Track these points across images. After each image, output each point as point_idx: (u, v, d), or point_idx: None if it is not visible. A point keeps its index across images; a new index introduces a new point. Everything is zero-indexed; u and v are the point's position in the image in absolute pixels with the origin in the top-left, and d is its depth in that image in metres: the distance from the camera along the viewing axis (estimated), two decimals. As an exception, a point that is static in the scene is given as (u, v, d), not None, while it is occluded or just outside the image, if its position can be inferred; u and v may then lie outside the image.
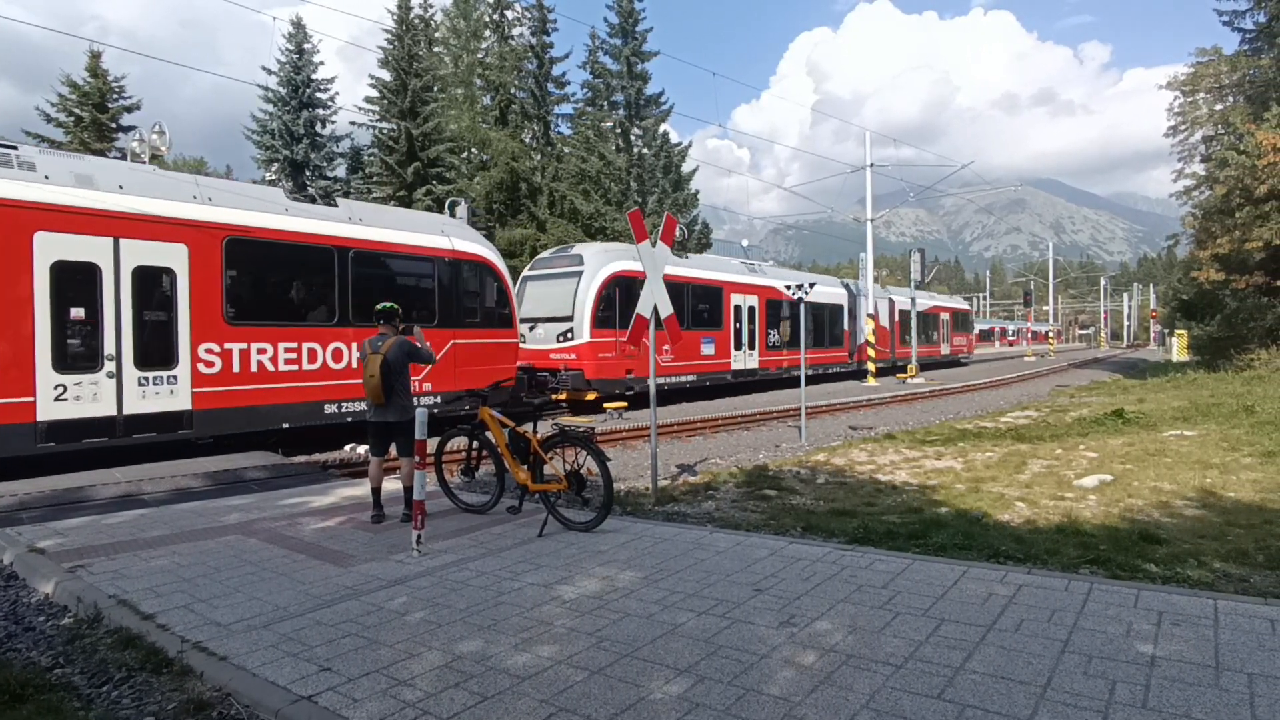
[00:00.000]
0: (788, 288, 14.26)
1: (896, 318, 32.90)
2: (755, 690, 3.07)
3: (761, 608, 4.07)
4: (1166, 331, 58.89)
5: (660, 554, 5.21)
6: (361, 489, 7.53)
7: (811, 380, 23.10)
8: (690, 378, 19.40)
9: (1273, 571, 4.83)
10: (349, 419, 11.62)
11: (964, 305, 45.49)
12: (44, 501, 7.58)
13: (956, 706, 2.90)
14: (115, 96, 24.89)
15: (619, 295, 17.56)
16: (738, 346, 21.47)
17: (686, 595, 4.31)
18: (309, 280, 11.52)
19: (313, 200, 12.04)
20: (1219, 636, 3.52)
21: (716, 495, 7.80)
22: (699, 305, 20.31)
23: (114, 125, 24.67)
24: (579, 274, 17.43)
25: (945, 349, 39.48)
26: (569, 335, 17.05)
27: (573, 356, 16.89)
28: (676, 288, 17.29)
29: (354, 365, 11.44)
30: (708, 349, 20.36)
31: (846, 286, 29.33)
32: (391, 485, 6.97)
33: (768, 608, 4.07)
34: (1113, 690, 3.00)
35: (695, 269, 20.44)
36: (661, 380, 17.10)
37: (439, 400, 12.69)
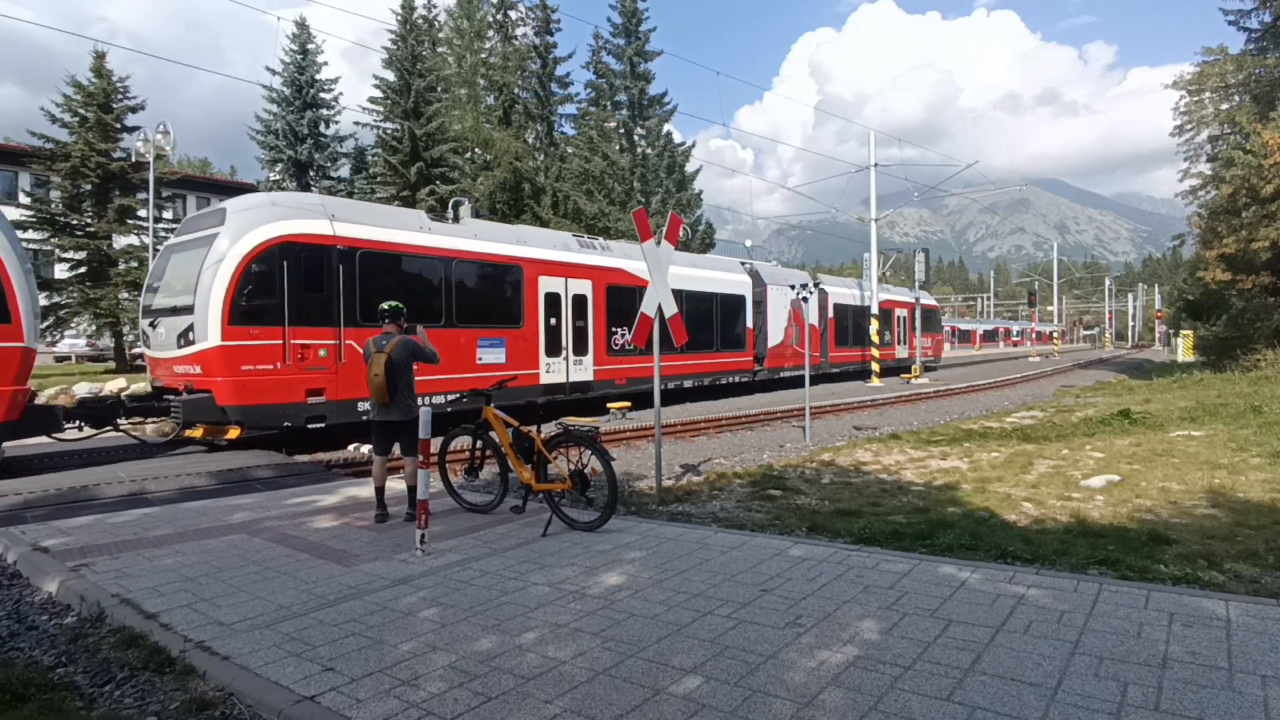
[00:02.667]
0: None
1: (831, 314, 27.12)
2: (762, 691, 3.04)
3: (768, 608, 4.04)
4: (1172, 332, 58.75)
5: (665, 554, 5.18)
6: (366, 488, 7.52)
7: (696, 394, 20.61)
8: (450, 395, 13.01)
9: (1284, 572, 4.78)
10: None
11: (929, 300, 37.39)
12: (50, 501, 7.59)
13: (966, 709, 2.86)
14: (120, 97, 24.90)
15: (286, 273, 11.28)
16: (553, 351, 15.67)
17: (692, 595, 4.28)
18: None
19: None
20: (1231, 638, 3.48)
21: (721, 495, 7.76)
22: (477, 292, 14.51)
23: (119, 126, 24.68)
24: (212, 239, 11.22)
25: (903, 351, 33.37)
26: (190, 337, 10.96)
27: (196, 369, 10.88)
28: (426, 266, 13.43)
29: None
30: (489, 354, 14.31)
31: (753, 273, 23.44)
32: (396, 485, 6.96)
33: (774, 608, 4.03)
34: (1124, 693, 2.96)
35: (468, 239, 14.24)
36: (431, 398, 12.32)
37: None
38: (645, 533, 5.82)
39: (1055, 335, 62.05)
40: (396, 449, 6.50)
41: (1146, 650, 3.36)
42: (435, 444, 6.74)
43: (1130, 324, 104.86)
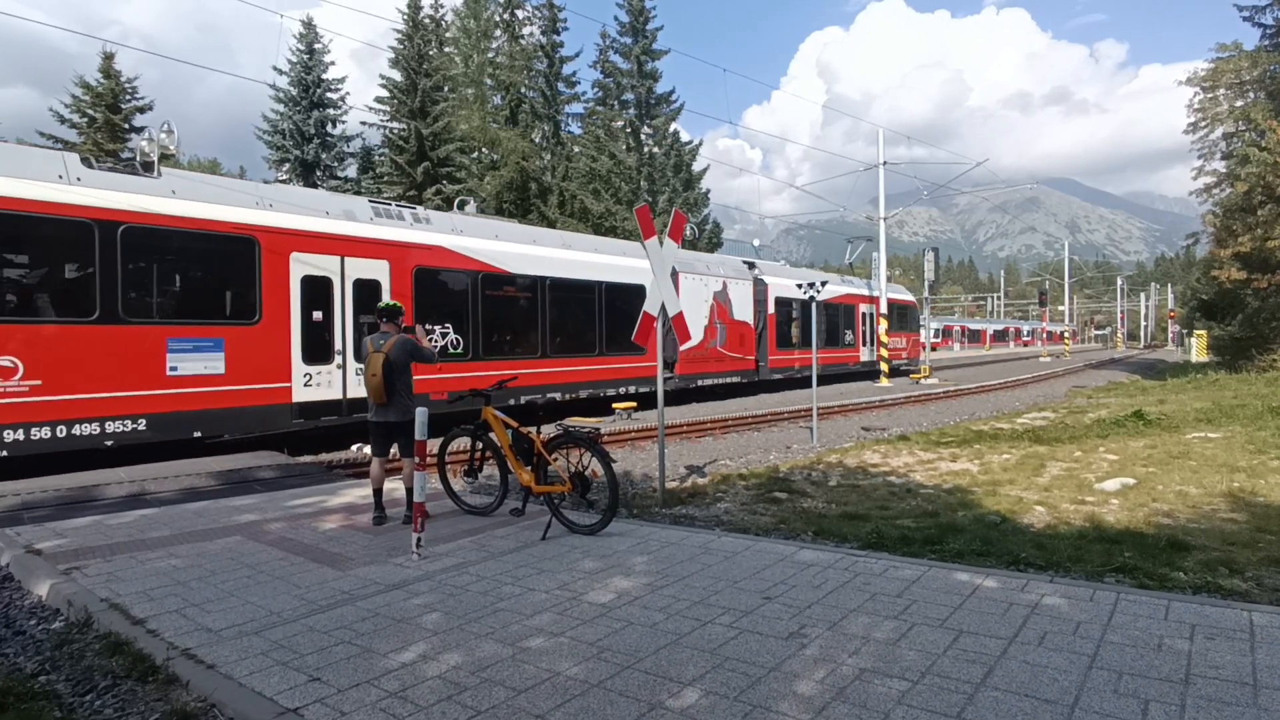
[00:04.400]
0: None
1: (771, 309, 22.60)
2: (763, 707, 2.91)
3: (771, 617, 3.90)
4: (1185, 332, 58.12)
5: (666, 559, 5.05)
6: (365, 490, 7.42)
7: (572, 409, 16.28)
8: (112, 425, 9.44)
9: (1308, 581, 4.61)
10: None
11: (902, 295, 32.43)
12: (49, 501, 7.53)
13: (978, 727, 2.72)
14: (128, 97, 25.03)
15: None
16: (318, 356, 11.38)
17: (692, 603, 4.14)
18: None
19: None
20: (1256, 651, 3.32)
21: (725, 497, 7.63)
22: (169, 272, 10.49)
23: (126, 126, 24.80)
24: None
25: (867, 353, 28.73)
26: None
27: None
28: (71, 233, 9.32)
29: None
30: (191, 362, 10.18)
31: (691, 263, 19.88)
32: (394, 486, 6.86)
33: (777, 617, 3.90)
34: (1146, 711, 2.81)
35: (156, 198, 10.09)
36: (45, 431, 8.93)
37: None
38: (646, 536, 5.69)
39: (1066, 335, 61.50)
40: (395, 450, 6.40)
41: (1168, 664, 3.21)
42: (435, 445, 6.64)
43: (1143, 324, 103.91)
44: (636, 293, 16.77)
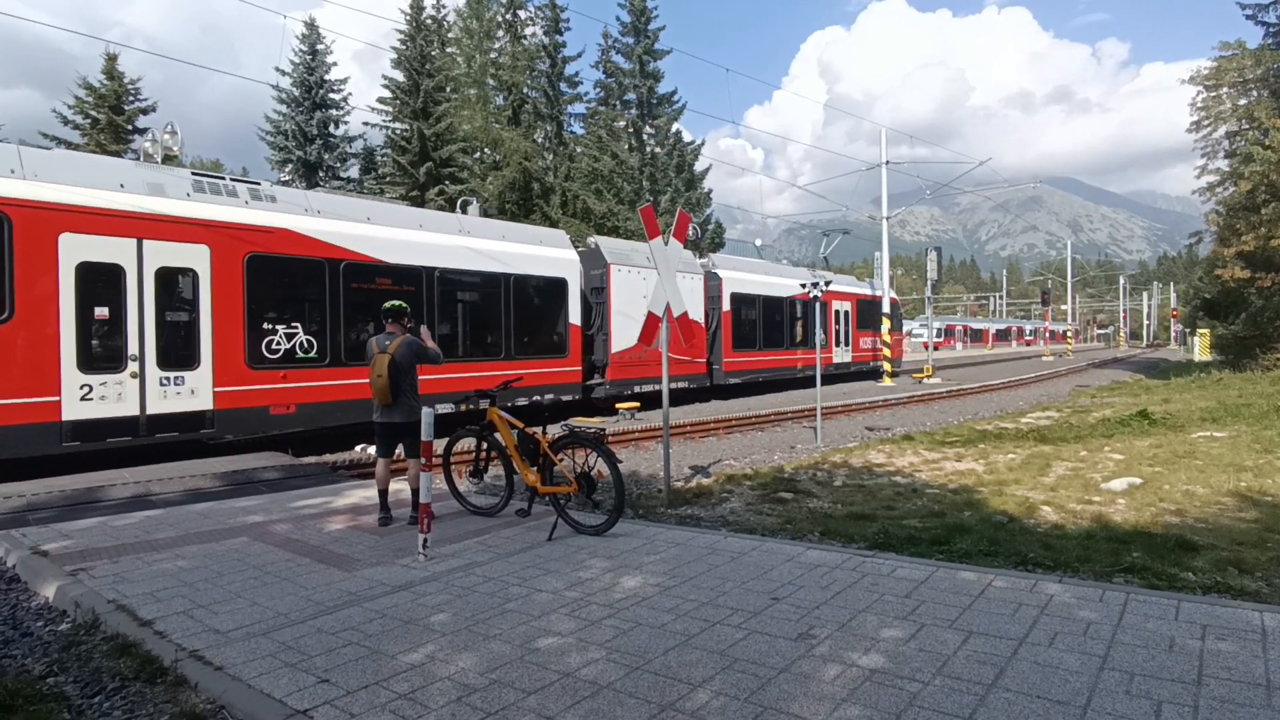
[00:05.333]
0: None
1: (728, 306, 20.43)
2: (775, 708, 2.90)
3: (779, 618, 3.89)
4: (1188, 331, 58.02)
5: (673, 559, 5.04)
6: (369, 490, 7.41)
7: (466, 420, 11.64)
8: None
9: (1318, 581, 4.59)
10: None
11: (868, 290, 28.98)
12: (54, 503, 7.53)
13: (990, 728, 2.71)
14: (131, 99, 25.04)
15: None
16: (100, 363, 9.31)
17: (700, 604, 4.13)
18: None
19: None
20: (1268, 651, 3.31)
21: (731, 498, 7.61)
22: None
23: (130, 127, 24.82)
24: None
25: (842, 354, 26.41)
26: None
27: None
28: None
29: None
30: None
31: (592, 250, 17.37)
32: (399, 487, 6.85)
33: (785, 618, 3.89)
34: (1159, 712, 2.79)
35: None
36: None
37: None
38: (653, 537, 5.68)
39: (1069, 334, 61.40)
40: (400, 450, 6.39)
41: (1180, 665, 3.19)
42: (440, 445, 6.63)
43: (1145, 323, 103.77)
44: (553, 287, 15.28)
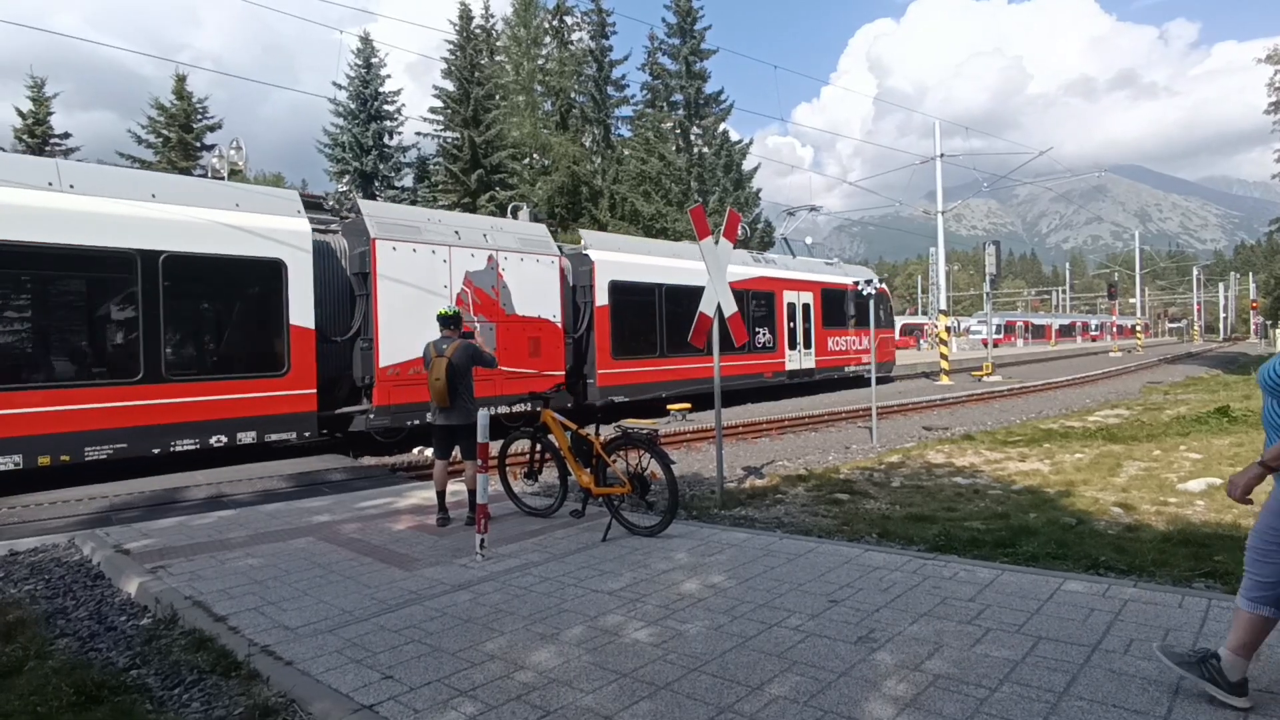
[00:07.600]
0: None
1: (606, 300, 15.35)
2: (834, 712, 2.85)
3: (838, 620, 3.83)
4: (1269, 323, 54.90)
5: (727, 561, 5.01)
6: (427, 491, 7.58)
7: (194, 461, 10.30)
8: None
9: None
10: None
11: (840, 278, 22.55)
12: (136, 504, 7.93)
13: (1063, 738, 2.61)
14: (199, 117, 26.22)
15: None
16: None
17: (756, 606, 4.10)
18: None
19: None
20: (1369, 663, 3.10)
21: (785, 499, 7.52)
22: None
23: (198, 145, 25.98)
24: None
25: (798, 359, 20.81)
26: None
27: None
28: None
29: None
30: None
31: (353, 222, 12.36)
32: (456, 488, 6.98)
33: (844, 620, 3.82)
34: (1247, 724, 2.65)
35: None
36: None
37: None
38: (707, 538, 5.66)
39: (1138, 329, 58.77)
40: (457, 452, 6.52)
41: (1268, 677, 3.02)
42: (495, 447, 6.73)
43: (1221, 315, 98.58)
44: (255, 271, 10.54)
